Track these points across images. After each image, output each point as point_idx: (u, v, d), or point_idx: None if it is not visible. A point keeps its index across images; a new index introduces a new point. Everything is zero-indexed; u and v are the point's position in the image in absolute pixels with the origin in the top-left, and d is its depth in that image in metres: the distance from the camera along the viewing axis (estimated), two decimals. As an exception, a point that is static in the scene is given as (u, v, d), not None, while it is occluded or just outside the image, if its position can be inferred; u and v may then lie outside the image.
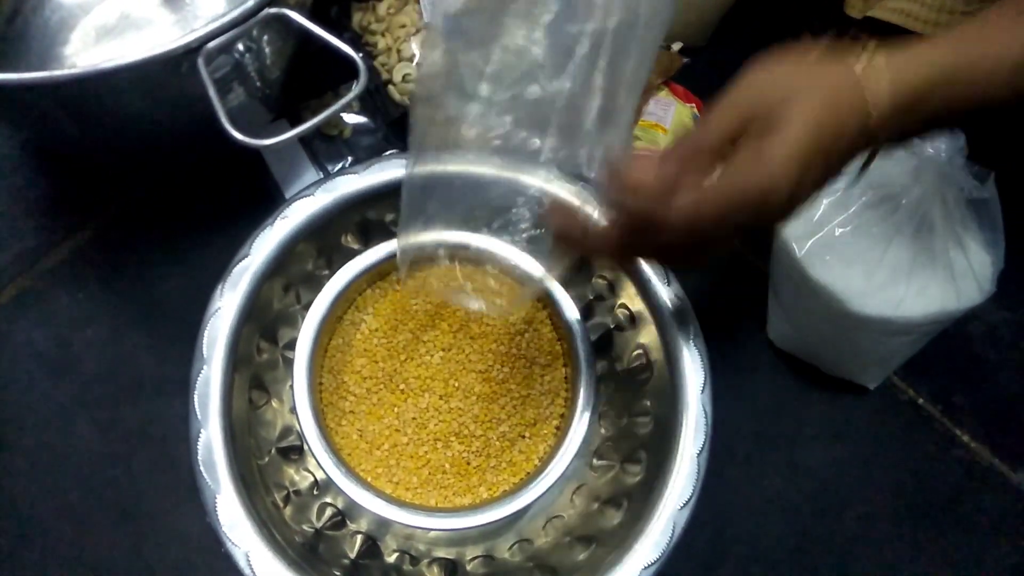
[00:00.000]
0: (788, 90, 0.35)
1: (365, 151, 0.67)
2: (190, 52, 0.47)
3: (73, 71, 0.46)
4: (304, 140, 0.67)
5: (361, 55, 0.50)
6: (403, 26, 0.67)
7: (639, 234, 0.38)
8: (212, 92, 0.47)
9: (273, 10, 0.49)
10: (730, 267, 0.67)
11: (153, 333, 0.62)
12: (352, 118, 0.68)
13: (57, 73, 0.46)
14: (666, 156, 0.37)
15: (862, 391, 0.62)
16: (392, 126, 0.68)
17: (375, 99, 0.68)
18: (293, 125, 0.53)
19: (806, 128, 0.34)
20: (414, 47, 0.66)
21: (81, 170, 0.69)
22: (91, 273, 0.65)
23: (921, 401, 0.63)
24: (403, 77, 0.65)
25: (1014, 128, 0.54)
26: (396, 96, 0.66)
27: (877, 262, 0.52)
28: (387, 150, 0.66)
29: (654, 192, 0.36)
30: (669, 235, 0.37)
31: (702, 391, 0.48)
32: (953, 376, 0.64)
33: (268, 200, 0.66)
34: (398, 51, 0.67)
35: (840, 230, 0.53)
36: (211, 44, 0.47)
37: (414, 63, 0.66)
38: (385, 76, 0.67)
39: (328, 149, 0.67)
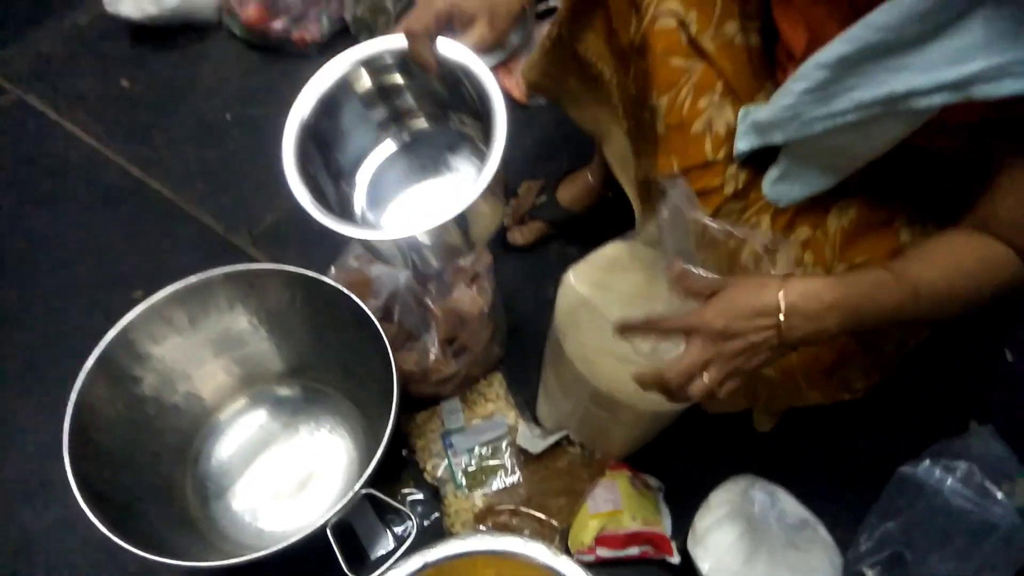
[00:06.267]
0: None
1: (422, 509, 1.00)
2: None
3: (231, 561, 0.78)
4: (379, 513, 1.00)
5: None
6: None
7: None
8: (337, 552, 0.80)
9: (364, 490, 0.82)
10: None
11: None
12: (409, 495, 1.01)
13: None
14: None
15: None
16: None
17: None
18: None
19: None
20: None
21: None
22: None
23: None
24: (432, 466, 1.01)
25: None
26: (429, 479, 1.00)
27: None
28: (433, 512, 0.99)
29: None
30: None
31: None
32: None
33: (356, 560, 0.96)
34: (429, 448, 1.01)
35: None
36: (334, 520, 0.81)
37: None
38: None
39: (394, 519, 1.00)
